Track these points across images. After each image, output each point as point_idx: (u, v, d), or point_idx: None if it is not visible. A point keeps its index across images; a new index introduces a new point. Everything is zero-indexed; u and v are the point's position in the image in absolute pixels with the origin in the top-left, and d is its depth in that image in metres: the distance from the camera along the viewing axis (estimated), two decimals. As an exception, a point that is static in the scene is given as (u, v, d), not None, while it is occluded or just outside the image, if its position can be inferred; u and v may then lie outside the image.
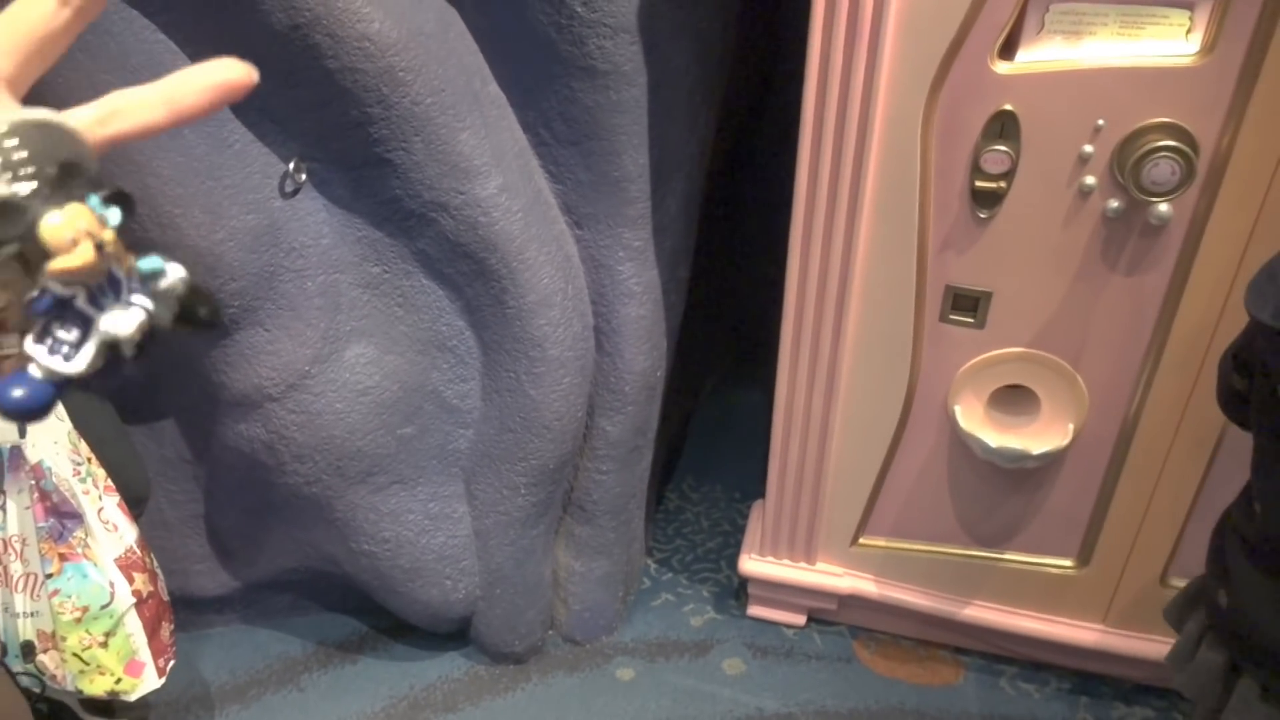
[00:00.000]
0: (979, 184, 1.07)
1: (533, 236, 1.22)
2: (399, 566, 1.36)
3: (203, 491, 1.39)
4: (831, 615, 1.53)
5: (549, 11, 1.11)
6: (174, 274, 0.32)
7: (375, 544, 1.34)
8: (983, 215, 1.09)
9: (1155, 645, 1.35)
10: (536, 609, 1.47)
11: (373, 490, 1.31)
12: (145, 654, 1.08)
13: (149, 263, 0.32)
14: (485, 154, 1.16)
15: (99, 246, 0.29)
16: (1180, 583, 1.30)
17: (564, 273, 1.26)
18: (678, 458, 1.87)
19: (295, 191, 1.18)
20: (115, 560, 1.06)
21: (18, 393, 0.30)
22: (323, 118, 1.10)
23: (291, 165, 1.14)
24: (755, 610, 1.56)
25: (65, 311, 0.30)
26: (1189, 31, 0.97)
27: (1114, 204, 1.04)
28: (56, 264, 0.29)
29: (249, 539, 1.43)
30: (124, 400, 1.27)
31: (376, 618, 1.52)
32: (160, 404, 1.32)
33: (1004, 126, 1.03)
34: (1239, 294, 1.06)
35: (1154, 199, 1.01)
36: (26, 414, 0.30)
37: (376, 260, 1.23)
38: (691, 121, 1.28)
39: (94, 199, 0.30)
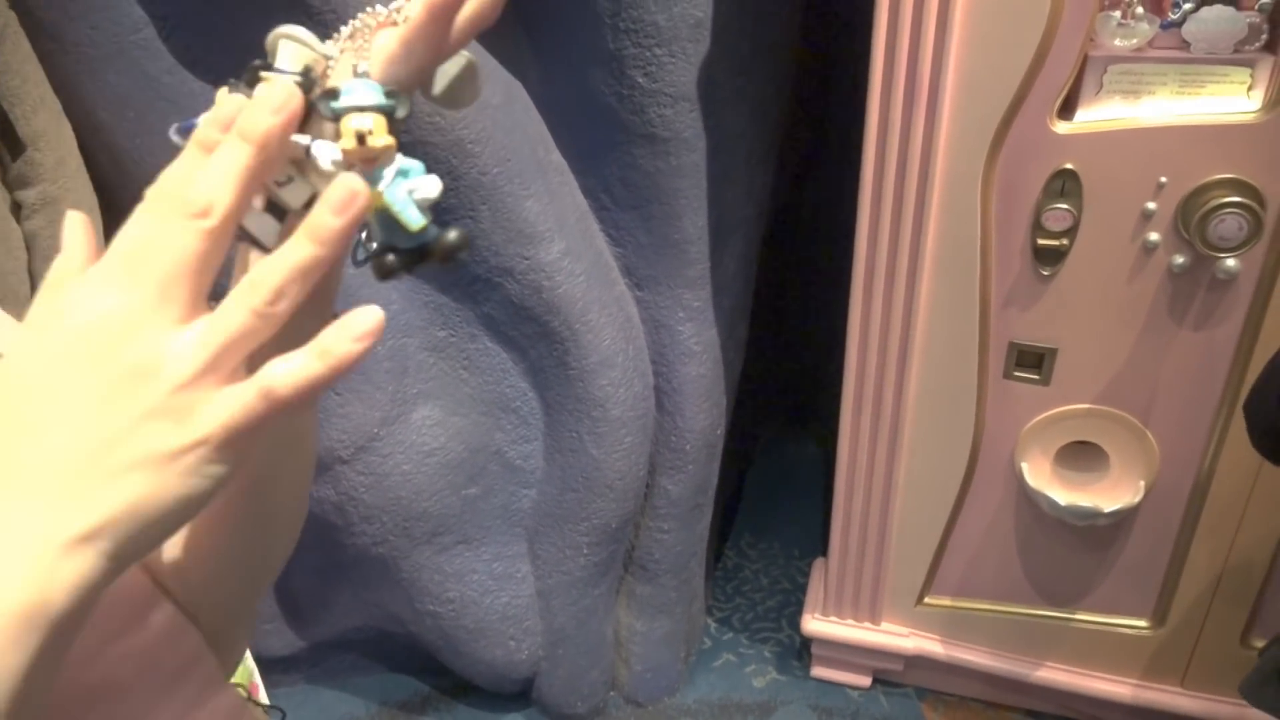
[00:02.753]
0: (1041, 241, 1.07)
1: (594, 299, 1.24)
2: (463, 627, 1.37)
3: (272, 552, 1.41)
4: (897, 676, 1.50)
5: (611, 82, 1.15)
6: (424, 186, 0.35)
7: (440, 604, 1.35)
8: (1045, 272, 1.09)
9: (1235, 709, 1.31)
10: (599, 669, 1.46)
11: (438, 550, 1.32)
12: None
13: (405, 163, 0.35)
14: (549, 220, 1.19)
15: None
16: (1263, 644, 1.26)
17: (625, 334, 1.28)
18: (734, 515, 1.86)
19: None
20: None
21: None
22: (394, 189, 1.14)
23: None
24: (819, 671, 1.53)
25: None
26: (1250, 89, 0.97)
27: (1179, 259, 1.04)
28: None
29: (316, 599, 1.45)
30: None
31: (439, 678, 1.53)
32: (233, 466, 1.36)
33: (1065, 185, 1.04)
34: (1313, 347, 1.05)
35: (1221, 254, 1.00)
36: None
37: (443, 324, 1.26)
38: (749, 183, 1.31)
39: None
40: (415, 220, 0.35)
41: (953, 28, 0.98)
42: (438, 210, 0.36)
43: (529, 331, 1.25)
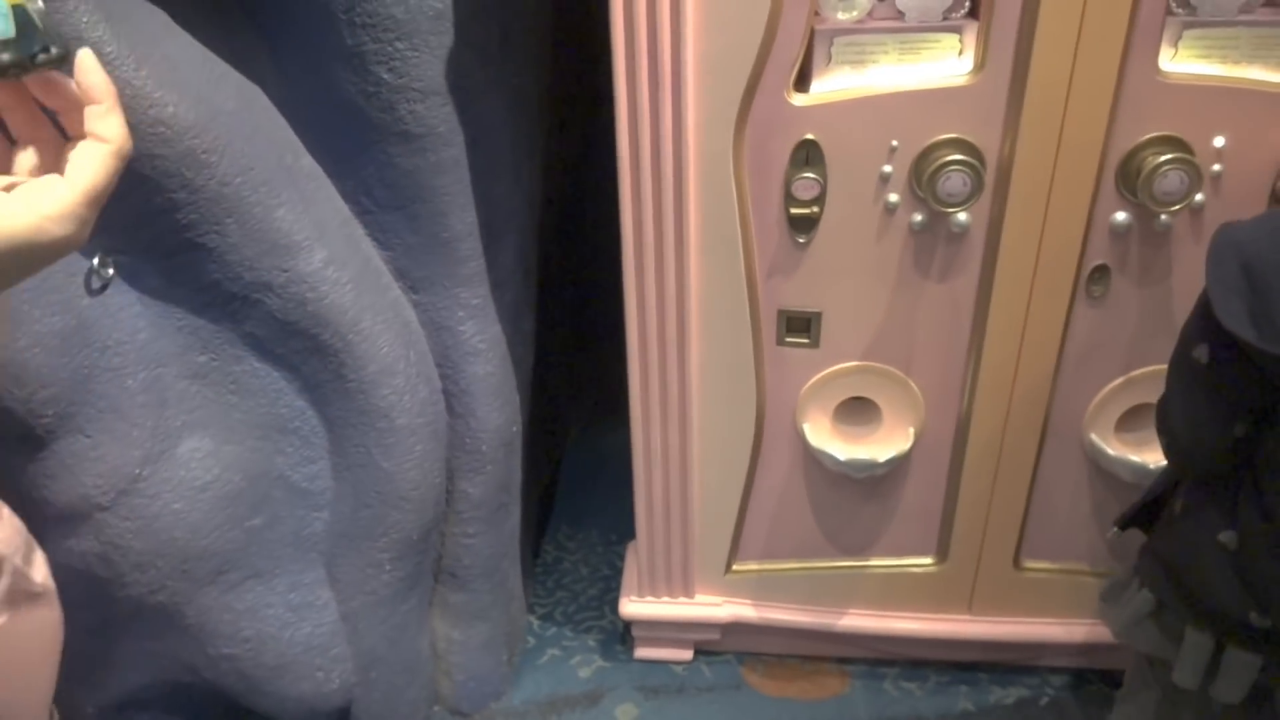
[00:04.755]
0: (793, 211, 1.12)
1: (366, 306, 1.19)
2: (264, 665, 1.29)
3: (36, 617, 1.28)
4: (717, 645, 1.54)
5: (355, 80, 1.10)
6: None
7: (235, 645, 1.27)
8: (801, 240, 1.13)
9: (1018, 627, 1.42)
10: (417, 686, 1.42)
11: (225, 589, 1.24)
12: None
13: None
14: (306, 228, 1.13)
15: None
16: (1035, 564, 1.37)
17: (403, 339, 1.24)
18: (550, 509, 1.85)
19: (104, 287, 1.12)
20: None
21: None
22: (124, 208, 1.05)
23: (95, 260, 1.09)
24: (642, 652, 1.55)
25: None
26: (961, 52, 1.04)
27: (918, 217, 1.11)
28: None
29: (95, 660, 1.33)
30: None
31: (248, 722, 1.44)
32: (-23, 529, 1.22)
33: (809, 155, 1.08)
34: (1041, 288, 1.14)
35: (951, 209, 1.07)
36: None
37: (202, 349, 1.18)
38: (515, 175, 1.29)
39: None
40: (40, 26, 0.46)
41: (686, 11, 1.00)
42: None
43: (298, 347, 1.19)
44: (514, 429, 1.40)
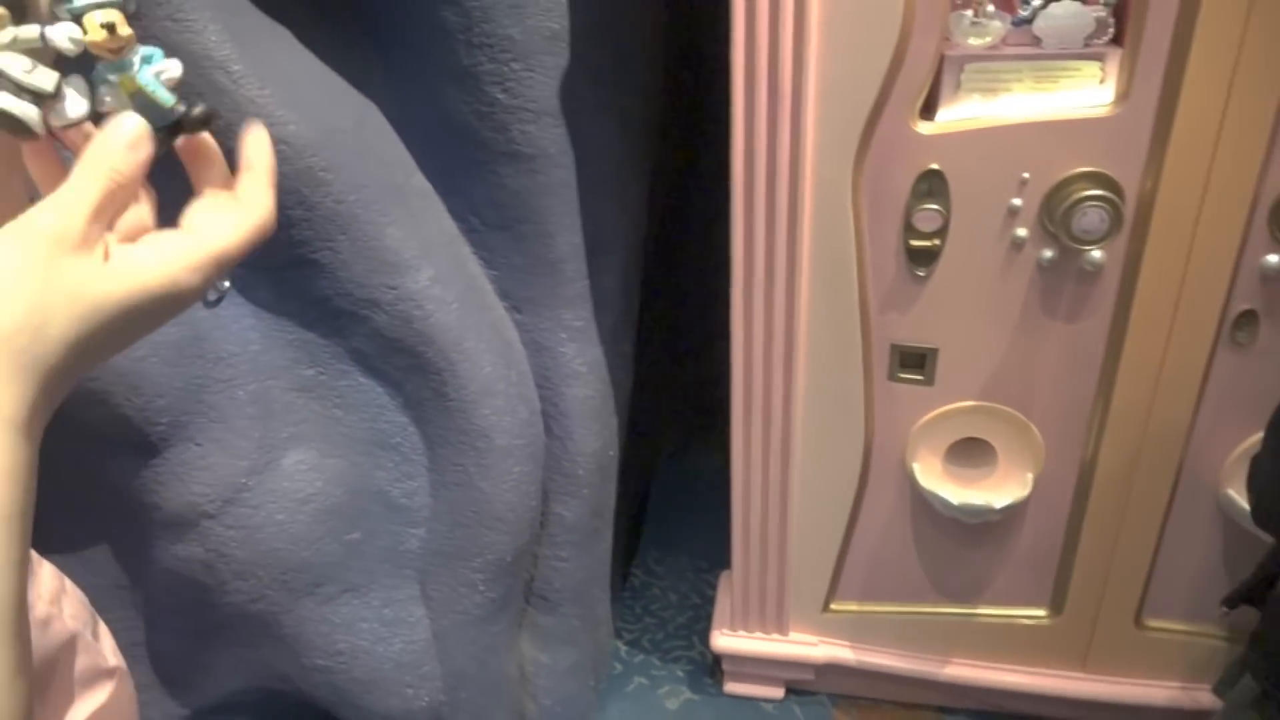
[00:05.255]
0: (913, 243, 1.07)
1: (470, 325, 1.19)
2: (355, 679, 1.30)
3: (141, 618, 1.31)
4: (810, 685, 1.48)
5: (468, 100, 1.10)
6: (169, 67, 0.42)
7: (328, 657, 1.28)
8: (920, 273, 1.08)
9: (1136, 689, 1.33)
10: (504, 709, 1.41)
11: (322, 601, 1.25)
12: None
13: (146, 49, 0.42)
14: (414, 247, 1.13)
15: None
16: (1158, 623, 1.28)
17: (505, 359, 1.23)
18: (639, 533, 1.83)
19: (219, 300, 1.13)
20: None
21: None
22: (242, 224, 1.07)
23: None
24: (731, 686, 1.51)
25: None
26: (1102, 81, 0.98)
27: (1047, 254, 1.04)
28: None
29: (194, 663, 1.35)
30: (53, 526, 1.21)
31: (336, 733, 1.45)
32: (90, 530, 1.26)
33: (932, 185, 1.03)
34: (1180, 332, 1.07)
35: (1086, 246, 1.01)
36: None
37: (310, 362, 1.19)
38: (621, 197, 1.27)
39: None
40: (167, 98, 0.41)
41: (809, 35, 0.96)
42: (186, 94, 0.42)
43: (402, 364, 1.19)
44: (610, 453, 1.38)
